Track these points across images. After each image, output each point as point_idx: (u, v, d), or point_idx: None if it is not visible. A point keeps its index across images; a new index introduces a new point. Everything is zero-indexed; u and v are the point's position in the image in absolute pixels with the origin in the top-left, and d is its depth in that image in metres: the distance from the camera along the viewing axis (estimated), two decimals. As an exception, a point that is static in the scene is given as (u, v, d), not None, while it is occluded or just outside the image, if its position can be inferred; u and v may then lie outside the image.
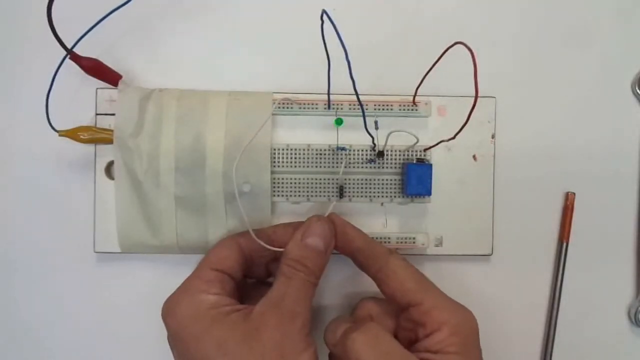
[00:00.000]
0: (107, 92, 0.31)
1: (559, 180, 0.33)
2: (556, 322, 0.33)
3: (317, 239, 0.27)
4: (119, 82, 0.30)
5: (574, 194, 0.33)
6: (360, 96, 0.25)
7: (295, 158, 0.30)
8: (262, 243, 0.27)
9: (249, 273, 0.30)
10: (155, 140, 0.29)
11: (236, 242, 0.28)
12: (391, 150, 0.31)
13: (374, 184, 0.31)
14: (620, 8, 0.33)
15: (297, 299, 0.26)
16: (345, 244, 0.28)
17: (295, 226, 0.28)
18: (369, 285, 0.29)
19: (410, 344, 0.27)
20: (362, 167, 0.31)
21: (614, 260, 0.33)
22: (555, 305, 0.33)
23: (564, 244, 0.33)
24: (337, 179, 0.31)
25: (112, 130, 0.30)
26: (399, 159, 0.31)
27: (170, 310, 0.26)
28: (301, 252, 0.27)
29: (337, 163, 0.30)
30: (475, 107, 0.24)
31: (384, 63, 0.32)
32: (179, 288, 0.27)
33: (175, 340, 0.26)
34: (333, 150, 0.30)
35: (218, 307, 0.26)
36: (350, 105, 0.31)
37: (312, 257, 0.27)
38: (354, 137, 0.30)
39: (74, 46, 0.28)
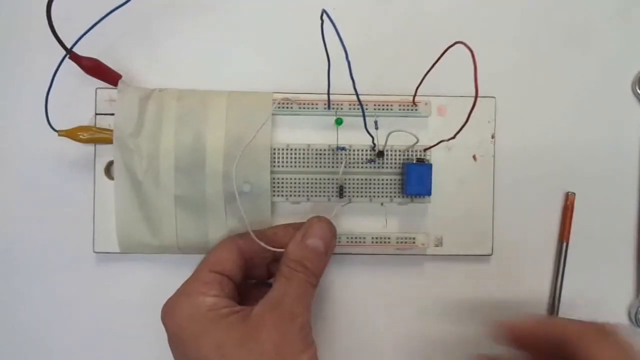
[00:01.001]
0: (107, 92, 0.31)
1: (559, 180, 0.33)
2: (556, 322, 0.33)
3: (318, 240, 0.27)
4: (119, 82, 0.30)
5: (574, 194, 0.33)
6: (360, 96, 0.25)
7: (295, 158, 0.30)
8: (262, 244, 0.27)
9: (250, 274, 0.30)
10: (155, 140, 0.29)
11: (235, 244, 0.28)
12: (391, 150, 0.31)
13: (374, 184, 0.31)
14: (620, 8, 0.33)
15: (297, 300, 0.26)
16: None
17: (295, 227, 0.28)
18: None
19: None
20: (362, 167, 0.31)
21: (614, 260, 0.33)
22: (556, 305, 0.33)
23: (564, 244, 0.33)
24: (337, 179, 0.31)
25: (111, 130, 0.30)
26: (399, 159, 0.31)
27: (169, 313, 0.26)
28: (301, 252, 0.27)
29: (337, 163, 0.30)
30: (475, 107, 0.24)
31: (384, 63, 0.32)
32: (177, 290, 0.27)
33: (174, 342, 0.26)
34: (333, 150, 0.30)
35: (216, 309, 0.26)
36: (350, 105, 0.31)
37: (312, 258, 0.27)
38: (354, 137, 0.30)
39: (73, 46, 0.28)
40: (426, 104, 0.31)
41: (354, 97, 0.25)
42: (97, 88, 0.31)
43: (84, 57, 0.29)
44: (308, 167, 0.30)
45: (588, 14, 0.33)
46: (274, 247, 0.27)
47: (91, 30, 0.28)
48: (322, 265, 0.27)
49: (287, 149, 0.30)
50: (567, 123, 0.33)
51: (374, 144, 0.30)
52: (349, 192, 0.31)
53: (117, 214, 0.30)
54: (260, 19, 0.32)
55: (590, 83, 0.33)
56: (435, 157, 0.31)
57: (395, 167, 0.31)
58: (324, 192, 0.31)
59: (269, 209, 0.30)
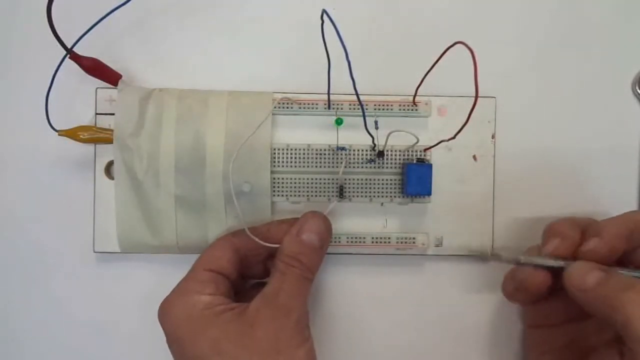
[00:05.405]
0: (107, 91, 0.31)
1: (558, 180, 0.33)
2: (556, 322, 0.33)
3: (312, 234, 0.27)
4: (119, 82, 0.30)
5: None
6: (360, 96, 0.25)
7: (295, 158, 0.30)
8: (257, 239, 0.27)
9: (248, 272, 0.30)
10: (155, 140, 0.29)
11: (230, 242, 0.28)
12: (391, 150, 0.31)
13: (374, 184, 0.31)
14: (620, 8, 0.33)
15: (292, 294, 0.26)
16: None
17: (289, 223, 0.29)
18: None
19: None
20: (362, 167, 0.31)
21: (614, 261, 0.33)
22: (555, 306, 0.33)
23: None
24: (337, 179, 0.31)
25: (112, 130, 0.30)
26: (399, 159, 0.31)
27: (165, 313, 0.26)
28: (296, 247, 0.27)
29: (337, 163, 0.30)
30: (475, 107, 0.24)
31: (384, 63, 0.32)
32: (173, 290, 0.27)
33: (171, 341, 0.26)
34: (333, 150, 0.30)
35: (212, 307, 0.26)
36: (350, 105, 0.31)
37: (307, 253, 0.27)
38: (354, 137, 0.30)
39: (73, 46, 0.28)
40: (426, 104, 0.31)
41: (354, 97, 0.25)
42: (97, 88, 0.31)
43: (84, 57, 0.29)
44: (308, 167, 0.30)
45: (588, 14, 0.33)
46: (268, 243, 0.27)
47: (91, 30, 0.28)
48: (317, 260, 0.27)
49: (287, 149, 0.30)
50: (567, 123, 0.33)
51: (374, 144, 0.30)
52: (349, 192, 0.31)
53: (117, 214, 0.30)
54: (261, 18, 0.32)
55: (590, 83, 0.33)
56: (435, 157, 0.31)
57: (395, 167, 0.31)
58: (324, 192, 0.31)
59: (269, 208, 0.30)
